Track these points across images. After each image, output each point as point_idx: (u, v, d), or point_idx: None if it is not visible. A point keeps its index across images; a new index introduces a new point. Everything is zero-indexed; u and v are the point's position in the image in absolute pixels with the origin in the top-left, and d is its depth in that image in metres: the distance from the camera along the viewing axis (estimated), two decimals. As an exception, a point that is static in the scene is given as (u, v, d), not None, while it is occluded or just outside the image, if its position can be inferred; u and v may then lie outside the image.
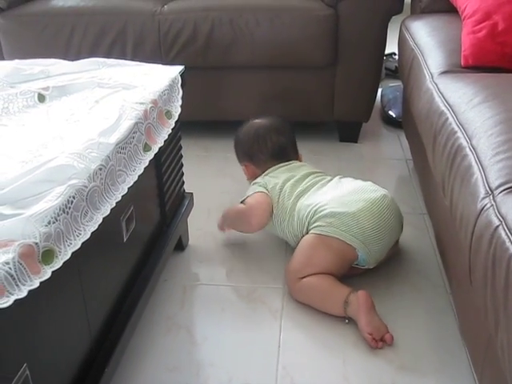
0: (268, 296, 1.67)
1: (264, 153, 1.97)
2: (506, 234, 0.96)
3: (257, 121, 2.07)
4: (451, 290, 1.60)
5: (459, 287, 1.44)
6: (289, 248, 1.86)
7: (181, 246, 1.85)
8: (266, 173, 1.93)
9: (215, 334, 1.55)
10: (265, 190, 1.84)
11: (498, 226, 0.99)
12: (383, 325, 1.51)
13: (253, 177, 1.99)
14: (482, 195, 1.10)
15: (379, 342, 1.49)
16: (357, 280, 1.71)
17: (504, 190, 1.06)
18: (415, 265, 1.76)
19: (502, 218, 1.00)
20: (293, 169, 1.89)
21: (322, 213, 1.66)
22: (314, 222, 1.67)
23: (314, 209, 1.68)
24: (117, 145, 1.18)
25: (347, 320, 1.55)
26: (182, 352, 1.50)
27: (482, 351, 1.21)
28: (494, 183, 1.09)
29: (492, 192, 1.08)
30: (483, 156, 1.18)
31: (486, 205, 1.07)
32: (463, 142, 1.28)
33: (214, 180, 2.33)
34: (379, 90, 2.94)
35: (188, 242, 1.90)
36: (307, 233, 1.69)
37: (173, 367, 1.45)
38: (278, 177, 1.86)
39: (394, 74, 3.34)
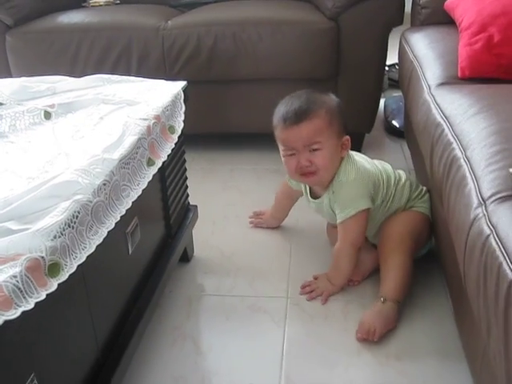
0: (272, 306, 1.70)
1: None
2: (497, 242, 0.99)
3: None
4: (451, 298, 1.62)
5: (458, 295, 1.46)
6: (292, 259, 1.89)
7: (186, 258, 1.88)
8: (339, 170, 1.70)
9: (220, 344, 1.57)
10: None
11: (489, 235, 1.02)
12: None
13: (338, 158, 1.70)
14: (474, 205, 1.13)
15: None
16: (358, 288, 1.74)
17: (496, 199, 1.09)
18: (417, 273, 1.78)
19: (493, 228, 1.03)
20: None
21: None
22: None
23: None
24: (120, 160, 1.22)
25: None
26: (188, 361, 1.52)
27: (479, 358, 1.23)
28: (487, 193, 1.12)
29: (484, 202, 1.11)
30: (476, 166, 1.21)
31: (478, 214, 1.10)
32: (458, 152, 1.31)
33: (218, 192, 2.37)
34: (382, 101, 2.97)
35: (193, 253, 1.93)
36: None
37: (179, 376, 1.48)
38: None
39: (397, 84, 3.35)
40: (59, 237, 0.97)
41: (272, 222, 2.10)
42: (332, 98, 1.70)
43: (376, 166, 1.76)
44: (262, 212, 2.13)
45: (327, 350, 1.54)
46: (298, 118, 1.61)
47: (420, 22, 2.29)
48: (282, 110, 1.66)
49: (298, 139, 1.62)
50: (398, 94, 3.13)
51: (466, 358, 1.42)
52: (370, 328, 1.55)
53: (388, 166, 1.81)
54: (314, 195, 1.80)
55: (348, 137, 1.68)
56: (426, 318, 1.64)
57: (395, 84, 3.39)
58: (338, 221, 1.71)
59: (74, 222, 1.02)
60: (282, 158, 1.69)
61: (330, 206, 1.74)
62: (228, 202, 2.28)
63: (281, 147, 1.69)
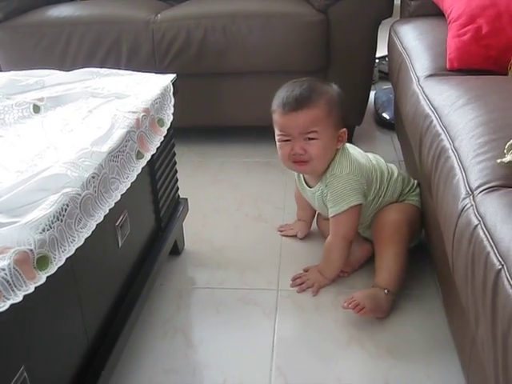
0: (262, 298, 1.70)
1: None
2: (484, 232, 1.00)
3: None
4: (441, 289, 1.63)
5: (447, 286, 1.47)
6: (283, 252, 1.90)
7: (176, 251, 1.88)
8: (334, 162, 1.69)
9: (211, 336, 1.58)
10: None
11: (476, 226, 1.03)
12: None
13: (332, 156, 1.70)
14: (462, 195, 1.13)
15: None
16: (348, 279, 1.75)
17: (483, 190, 1.10)
18: (407, 264, 1.79)
19: (481, 218, 1.03)
20: None
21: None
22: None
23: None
24: (109, 153, 1.22)
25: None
26: (179, 354, 1.53)
27: (468, 348, 1.24)
28: (474, 184, 1.13)
29: (472, 192, 1.11)
30: (465, 157, 1.22)
31: (466, 205, 1.10)
32: (446, 143, 1.32)
33: (209, 185, 2.37)
34: (373, 93, 2.98)
35: (184, 246, 1.94)
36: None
37: (169, 369, 1.48)
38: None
39: (387, 76, 3.36)
40: (48, 230, 0.98)
41: (302, 226, 2.02)
42: (334, 89, 1.69)
43: (370, 161, 1.76)
44: (289, 224, 2.06)
45: (318, 341, 1.55)
46: (297, 104, 1.60)
47: (409, 13, 2.30)
48: (282, 94, 1.64)
49: (295, 126, 1.62)
50: (388, 86, 3.13)
51: (456, 348, 1.43)
52: (360, 303, 1.55)
53: (381, 161, 1.81)
54: (308, 184, 1.80)
55: (345, 129, 1.68)
56: (415, 308, 1.64)
57: (385, 76, 3.39)
58: (330, 215, 1.71)
59: (63, 215, 1.02)
60: (277, 143, 1.69)
61: (321, 198, 1.74)
62: (218, 195, 2.28)
63: (277, 132, 1.68)
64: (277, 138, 1.68)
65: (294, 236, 1.99)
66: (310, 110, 1.60)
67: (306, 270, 1.78)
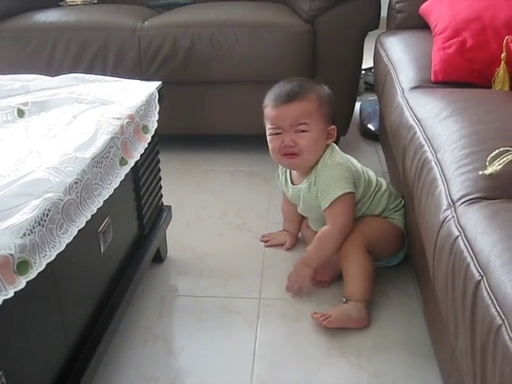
0: (244, 307, 1.70)
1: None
2: (465, 244, 1.00)
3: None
4: (422, 300, 1.64)
5: (428, 297, 1.48)
6: (266, 260, 1.90)
7: (159, 258, 1.88)
8: (325, 155, 1.72)
9: (192, 344, 1.57)
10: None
11: (457, 237, 1.04)
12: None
13: (321, 152, 1.72)
14: (444, 207, 1.14)
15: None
16: (329, 289, 1.76)
17: (465, 201, 1.11)
18: (389, 274, 1.80)
19: (462, 229, 1.04)
20: None
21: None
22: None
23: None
24: (93, 159, 1.22)
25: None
26: (160, 362, 1.52)
27: (448, 359, 1.24)
28: (456, 195, 1.14)
29: (454, 204, 1.12)
30: (447, 169, 1.23)
31: (447, 216, 1.11)
32: (429, 155, 1.33)
33: (193, 193, 2.36)
34: (358, 104, 2.99)
35: (166, 253, 1.93)
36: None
37: (150, 377, 1.47)
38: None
39: (373, 88, 3.38)
40: (29, 234, 0.97)
41: (288, 237, 2.00)
42: (324, 88, 1.73)
43: (360, 166, 1.78)
44: (273, 233, 2.05)
45: (299, 350, 1.55)
46: (288, 97, 1.65)
47: (395, 25, 2.31)
48: (274, 91, 1.70)
49: (285, 118, 1.65)
50: (373, 97, 3.14)
51: (436, 359, 1.43)
52: (327, 314, 1.58)
53: (371, 172, 1.82)
54: (292, 182, 1.82)
55: (334, 127, 1.70)
56: (397, 318, 1.65)
57: (371, 88, 3.41)
58: (324, 206, 1.69)
59: (44, 220, 1.02)
60: (268, 137, 1.72)
61: (308, 194, 1.74)
62: (202, 203, 2.28)
63: (268, 126, 1.71)
64: (268, 132, 1.71)
65: (278, 246, 1.99)
66: (301, 103, 1.65)
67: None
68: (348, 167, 1.70)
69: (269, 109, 1.69)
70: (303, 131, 1.65)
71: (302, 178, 1.77)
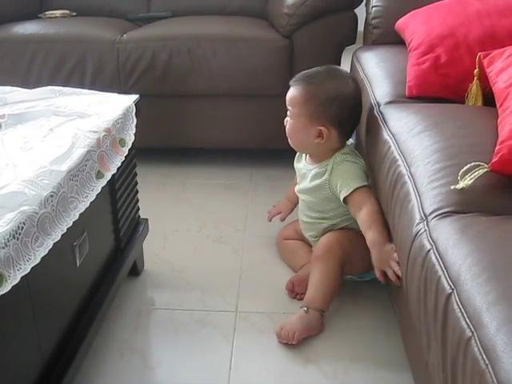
0: (221, 320, 1.70)
1: (354, 125, 1.79)
2: (436, 257, 1.02)
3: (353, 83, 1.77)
4: (397, 313, 1.65)
5: (402, 310, 1.49)
6: (243, 274, 1.90)
7: (136, 271, 1.87)
8: (344, 151, 1.75)
9: (168, 358, 1.57)
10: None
11: (429, 250, 1.05)
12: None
13: (319, 148, 1.76)
14: (417, 221, 1.16)
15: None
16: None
17: (437, 215, 1.12)
18: (366, 287, 1.81)
19: (434, 243, 1.06)
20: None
21: None
22: None
23: None
24: (69, 172, 1.22)
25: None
26: (136, 376, 1.52)
27: (422, 372, 1.25)
28: (428, 209, 1.15)
29: (426, 218, 1.14)
30: (420, 183, 1.24)
31: (420, 230, 1.12)
32: (403, 169, 1.34)
33: (170, 206, 2.37)
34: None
35: (143, 267, 1.93)
36: None
37: (125, 390, 1.47)
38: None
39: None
40: (3, 248, 0.97)
41: (285, 206, 2.06)
42: (336, 87, 1.70)
43: None
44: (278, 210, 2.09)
45: (274, 363, 1.55)
46: (295, 80, 1.75)
47: (372, 41, 2.34)
48: None
49: (287, 98, 1.75)
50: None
51: (411, 371, 1.44)
52: (289, 333, 1.59)
53: None
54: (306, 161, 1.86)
55: (324, 128, 1.70)
56: (372, 330, 1.66)
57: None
58: (348, 191, 1.67)
59: (19, 234, 1.02)
60: None
61: (313, 177, 1.78)
62: (180, 216, 2.28)
63: None
64: None
65: (258, 255, 2.02)
66: (296, 89, 1.72)
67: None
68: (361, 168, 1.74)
69: None
70: (291, 116, 1.75)
71: (311, 162, 1.82)
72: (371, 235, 1.58)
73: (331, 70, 1.77)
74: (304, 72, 1.75)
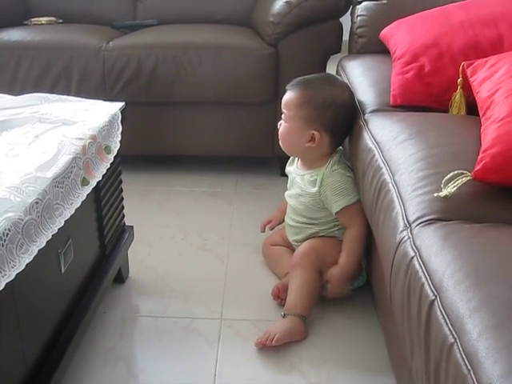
0: (205, 328, 1.70)
1: (346, 133, 1.82)
2: (420, 264, 1.03)
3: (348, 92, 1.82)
4: (381, 320, 1.66)
5: (386, 317, 1.50)
6: (227, 281, 1.90)
7: (121, 279, 1.87)
8: (335, 160, 1.78)
9: (153, 365, 1.57)
10: None
11: (413, 257, 1.06)
12: None
13: (310, 153, 1.79)
14: (400, 228, 1.17)
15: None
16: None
17: (420, 223, 1.13)
18: (351, 295, 1.82)
19: (417, 250, 1.07)
20: None
21: None
22: None
23: None
24: (54, 179, 1.22)
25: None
26: (120, 383, 1.51)
27: (405, 376, 1.26)
28: (412, 217, 1.16)
29: (410, 225, 1.15)
30: (404, 191, 1.25)
31: (403, 237, 1.13)
32: (387, 177, 1.36)
33: (155, 214, 2.37)
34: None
35: (128, 274, 1.93)
36: None
37: (110, 398, 1.47)
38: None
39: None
40: (-12, 254, 0.97)
41: (276, 215, 2.05)
42: (333, 93, 1.75)
43: None
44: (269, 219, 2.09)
45: (258, 371, 1.56)
46: (292, 84, 1.79)
47: (357, 50, 2.35)
48: None
49: (283, 101, 1.79)
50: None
51: (395, 378, 1.45)
52: (270, 334, 1.61)
53: None
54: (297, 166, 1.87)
55: (317, 132, 1.73)
56: (357, 338, 1.67)
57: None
58: (339, 207, 1.72)
59: (4, 240, 1.02)
60: None
61: (302, 183, 1.80)
62: (164, 223, 2.28)
63: None
64: None
65: (242, 263, 2.03)
66: (292, 92, 1.76)
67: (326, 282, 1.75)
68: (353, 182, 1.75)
69: None
70: (285, 119, 1.77)
71: (302, 168, 1.84)
72: (343, 260, 1.73)
73: (328, 77, 1.86)
74: (301, 77, 1.79)
